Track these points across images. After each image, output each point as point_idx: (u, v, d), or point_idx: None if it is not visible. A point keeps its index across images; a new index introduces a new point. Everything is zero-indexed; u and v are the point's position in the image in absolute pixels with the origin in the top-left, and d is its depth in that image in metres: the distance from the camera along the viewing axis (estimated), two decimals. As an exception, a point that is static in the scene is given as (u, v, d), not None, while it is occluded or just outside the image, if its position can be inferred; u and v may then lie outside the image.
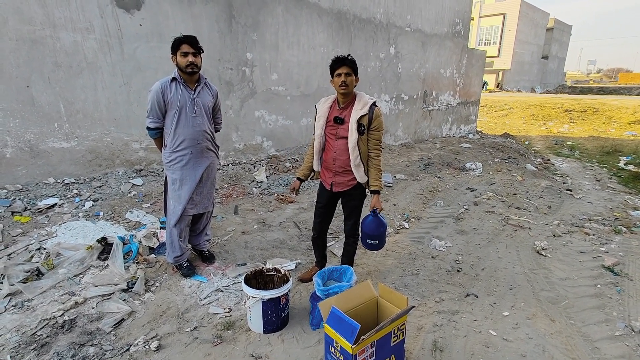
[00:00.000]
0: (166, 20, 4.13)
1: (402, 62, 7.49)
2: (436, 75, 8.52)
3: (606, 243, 3.53)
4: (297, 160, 5.51)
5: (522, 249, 3.37)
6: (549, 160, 8.52)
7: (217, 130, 2.74)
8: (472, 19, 28.27)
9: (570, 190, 5.72)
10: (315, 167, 2.45)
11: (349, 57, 2.20)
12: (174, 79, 2.39)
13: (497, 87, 28.70)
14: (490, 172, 6.46)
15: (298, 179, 2.51)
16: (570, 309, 2.46)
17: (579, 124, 14.48)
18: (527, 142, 10.78)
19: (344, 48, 6.23)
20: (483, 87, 20.87)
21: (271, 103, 5.41)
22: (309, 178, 2.56)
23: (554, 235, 3.71)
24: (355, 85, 2.26)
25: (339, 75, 2.19)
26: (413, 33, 7.55)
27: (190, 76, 2.40)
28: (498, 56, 28.13)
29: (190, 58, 2.32)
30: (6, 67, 3.22)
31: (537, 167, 7.31)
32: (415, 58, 7.79)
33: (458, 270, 2.94)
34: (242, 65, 4.96)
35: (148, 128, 2.44)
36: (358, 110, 2.21)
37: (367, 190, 2.36)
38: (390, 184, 5.16)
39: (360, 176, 2.27)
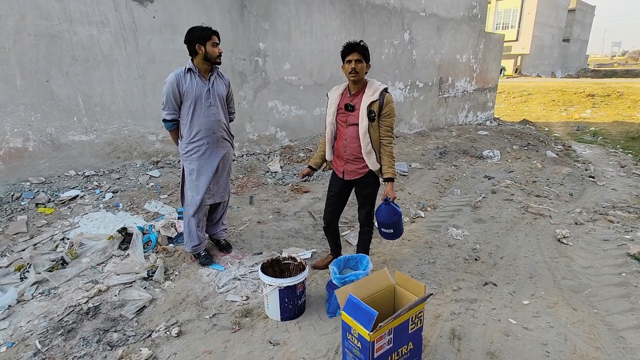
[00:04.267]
0: (179, 12, 4.14)
1: (417, 48, 7.33)
2: (452, 61, 8.31)
3: (631, 231, 3.41)
4: (311, 150, 5.49)
5: (542, 237, 3.30)
6: (570, 146, 8.25)
7: (231, 120, 2.75)
8: (490, 2, 27.35)
9: (592, 177, 5.55)
10: (328, 157, 2.43)
11: (361, 43, 2.15)
12: (189, 69, 2.40)
13: (516, 72, 27.84)
14: (509, 160, 6.30)
15: (310, 167, 2.50)
16: (594, 297, 2.40)
17: (602, 109, 13.94)
18: (547, 129, 10.46)
19: (357, 35, 6.12)
20: (501, 73, 20.29)
21: (284, 93, 5.39)
22: (322, 169, 2.54)
23: (575, 224, 3.61)
24: (366, 72, 2.21)
25: (350, 61, 2.15)
26: (428, 18, 7.36)
27: (210, 66, 2.42)
28: (516, 40, 27.19)
29: (220, 49, 2.38)
30: (26, 63, 3.29)
31: (557, 154, 7.09)
32: (431, 44, 7.60)
33: (476, 259, 2.90)
34: (255, 55, 4.94)
35: (164, 120, 2.46)
36: (368, 97, 2.17)
37: (380, 178, 2.33)
38: (406, 173, 5.10)
39: (372, 163, 2.24)
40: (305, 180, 2.56)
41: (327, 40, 5.76)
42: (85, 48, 3.58)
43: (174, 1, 4.08)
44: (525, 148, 7.13)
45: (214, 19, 4.43)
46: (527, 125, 9.62)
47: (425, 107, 7.95)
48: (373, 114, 2.16)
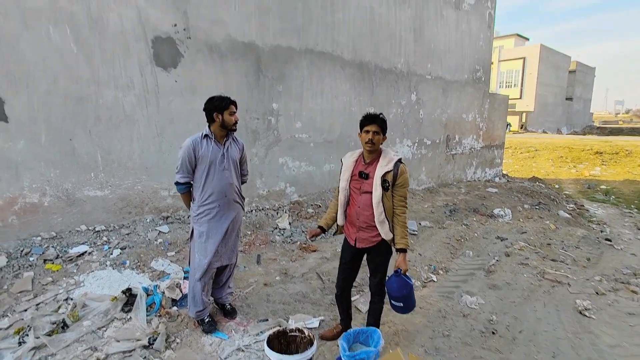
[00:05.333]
0: (199, 76, 4.41)
1: (424, 108, 7.59)
2: (458, 120, 8.55)
3: (657, 304, 3.23)
4: (320, 207, 5.50)
5: (562, 309, 3.13)
6: (583, 205, 8.13)
7: (243, 182, 2.80)
8: (492, 63, 28.80)
9: (609, 240, 5.38)
10: (339, 222, 2.42)
11: (380, 116, 2.24)
12: (205, 135, 2.50)
13: (521, 128, 28.40)
14: (521, 219, 6.20)
15: (320, 227, 2.49)
16: (625, 384, 2.21)
17: (611, 167, 13.92)
18: (557, 186, 10.40)
19: (365, 96, 6.41)
20: (507, 129, 20.74)
21: (295, 150, 5.54)
22: (333, 233, 2.52)
23: (596, 293, 3.44)
24: (381, 143, 2.27)
25: (367, 132, 2.21)
26: (434, 80, 7.71)
27: (226, 132, 2.52)
28: (520, 98, 28.11)
29: (236, 117, 2.49)
30: (53, 122, 3.47)
31: (570, 214, 6.97)
32: (437, 104, 7.89)
33: (493, 332, 2.74)
34: (268, 114, 5.16)
35: (177, 183, 2.52)
36: (383, 167, 2.21)
37: (393, 247, 2.30)
38: (415, 232, 5.03)
39: (384, 232, 2.22)
40: (314, 240, 2.55)
41: (337, 101, 6.02)
42: (110, 108, 3.78)
43: (195, 66, 4.37)
44: (537, 207, 7.04)
45: (232, 82, 4.70)
46: (537, 183, 9.59)
47: (433, 164, 8.05)
48: (387, 184, 2.18)
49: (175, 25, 4.15)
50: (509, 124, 25.62)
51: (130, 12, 3.80)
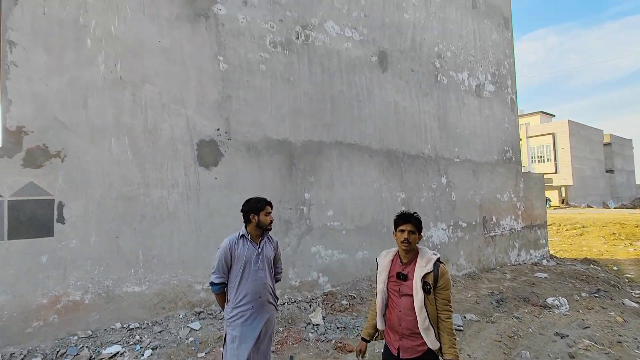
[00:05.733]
0: (237, 172, 4.74)
1: (455, 190, 7.55)
2: (493, 201, 8.35)
3: None
4: (354, 297, 5.25)
5: None
6: (651, 291, 7.21)
7: (277, 280, 2.78)
8: (521, 140, 28.99)
9: (694, 337, 4.62)
10: (379, 326, 2.28)
11: (415, 215, 2.24)
12: (242, 236, 2.59)
13: (562, 203, 27.09)
14: (580, 310, 5.55)
15: (363, 339, 2.35)
16: None
17: (675, 244, 12.60)
18: (615, 268, 9.43)
19: (395, 182, 6.51)
20: (546, 204, 19.86)
21: (327, 238, 5.53)
22: (374, 338, 2.37)
23: (694, 412, 2.85)
24: (417, 242, 2.24)
25: (402, 231, 2.20)
26: (463, 163, 7.79)
27: (261, 232, 2.60)
28: (556, 172, 27.40)
29: (271, 217, 2.60)
30: (104, 222, 3.75)
31: (638, 303, 6.17)
32: (468, 186, 7.83)
33: None
34: (300, 204, 5.32)
35: (212, 283, 2.55)
36: (422, 267, 2.14)
37: (440, 358, 2.10)
38: (461, 328, 4.59)
39: (431, 342, 2.05)
40: (363, 357, 2.38)
41: (367, 188, 6.14)
42: (155, 207, 4.07)
43: (234, 163, 4.73)
44: (596, 295, 6.33)
45: (266, 176, 4.99)
46: (592, 265, 8.77)
47: (472, 247, 7.68)
48: (428, 286, 2.09)
49: (218, 129, 4.62)
50: (548, 199, 24.60)
51: (180, 121, 4.32)
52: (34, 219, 3.36)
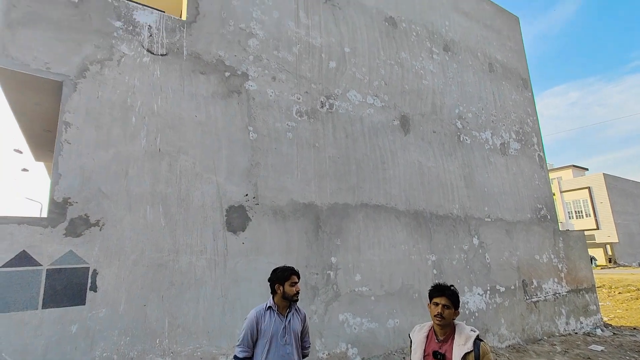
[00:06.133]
0: (264, 236, 4.77)
1: (489, 252, 7.18)
2: (531, 262, 7.84)
3: None
4: (387, 373, 4.84)
5: None
6: None
7: (304, 356, 2.64)
8: (554, 195, 27.88)
9: None
10: (416, 411, 2.08)
11: (451, 288, 2.14)
12: (269, 307, 2.53)
13: (610, 262, 25.01)
14: (650, 393, 4.82)
15: None
16: None
17: None
18: (684, 339, 8.30)
19: (424, 243, 6.31)
20: (592, 263, 18.37)
21: (355, 304, 5.29)
22: None
23: None
24: (454, 319, 2.10)
25: (437, 304, 2.09)
26: (494, 222, 7.50)
27: (288, 303, 2.54)
28: (598, 229, 25.73)
29: (298, 287, 2.55)
30: (133, 290, 3.79)
31: None
32: (503, 246, 7.46)
33: None
34: (327, 269, 5.20)
35: (236, 357, 2.45)
36: (461, 346, 1.98)
37: None
38: (510, 412, 4.07)
39: None
40: None
41: (396, 250, 5.97)
42: (183, 273, 4.10)
43: (260, 228, 4.78)
44: (667, 373, 5.53)
45: (293, 240, 4.98)
46: (655, 336, 7.77)
47: (513, 314, 7.07)
48: (469, 368, 1.92)
49: (247, 195, 4.77)
50: (593, 258, 22.82)
51: (211, 188, 4.51)
52: (69, 287, 3.45)
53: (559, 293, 8.07)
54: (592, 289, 8.93)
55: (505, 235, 7.59)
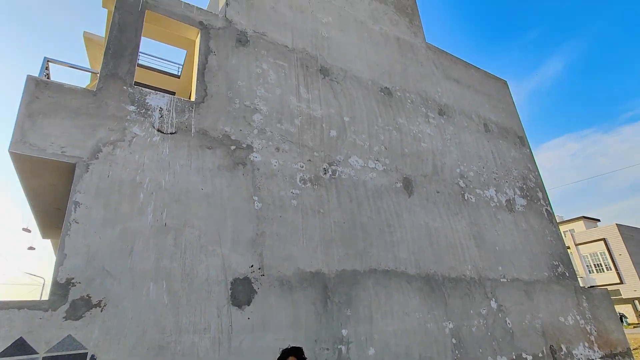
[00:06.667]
0: (270, 310, 4.57)
1: (509, 316, 6.76)
2: (557, 325, 7.33)
3: None
4: None
5: None
6: None
7: None
8: (568, 248, 26.96)
9: None
10: None
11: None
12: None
13: (642, 319, 23.31)
14: None
15: None
16: None
17: None
18: None
19: (439, 310, 5.98)
20: (622, 322, 17.07)
21: (371, 383, 4.86)
22: None
23: None
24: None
25: None
26: (511, 283, 7.18)
27: None
28: (621, 283, 24.42)
29: None
30: (131, 376, 3.55)
31: None
32: (523, 309, 7.04)
33: None
34: (338, 343, 4.88)
35: None
36: None
37: None
38: None
39: None
40: None
41: (410, 319, 5.64)
42: (185, 355, 3.86)
43: (266, 301, 4.60)
44: None
45: (300, 312, 4.75)
46: None
47: (546, 387, 6.42)
48: None
49: (252, 265, 4.68)
50: (623, 316, 21.30)
51: (216, 261, 4.44)
52: (64, 377, 3.24)
53: (593, 359, 7.40)
54: (627, 352, 8.20)
55: (525, 297, 7.21)
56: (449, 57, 9.94)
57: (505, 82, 11.13)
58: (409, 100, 7.99)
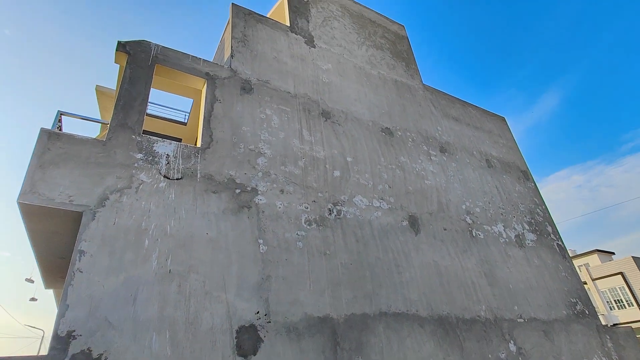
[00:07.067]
0: (278, 359, 4.36)
1: (531, 359, 6.37)
2: (582, 369, 6.87)
3: None
4: None
5: None
6: None
7: None
8: (585, 284, 25.93)
9: None
10: None
11: None
12: None
13: (673, 359, 21.79)
14: None
15: None
16: None
17: None
18: None
19: (456, 355, 5.66)
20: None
21: None
22: None
23: None
24: None
25: None
26: (528, 323, 6.84)
27: None
28: (646, 320, 23.18)
29: None
30: None
31: None
32: (544, 351, 6.64)
33: None
34: (350, 394, 4.58)
35: None
36: None
37: None
38: None
39: None
40: None
41: (425, 366, 5.33)
42: (188, 413, 3.63)
43: (274, 350, 4.39)
44: None
45: (309, 361, 4.52)
46: None
47: None
48: None
49: (258, 312, 4.53)
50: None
51: (220, 308, 4.31)
52: None
53: (626, 407, 6.85)
54: (663, 398, 7.60)
55: (545, 338, 6.83)
56: (447, 96, 10.25)
57: (503, 119, 11.37)
58: (410, 139, 8.13)
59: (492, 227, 7.93)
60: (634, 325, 21.77)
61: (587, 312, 7.93)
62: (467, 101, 10.76)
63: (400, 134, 8.05)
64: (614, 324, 24.26)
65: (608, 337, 7.79)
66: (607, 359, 7.36)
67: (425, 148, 8.28)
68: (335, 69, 8.15)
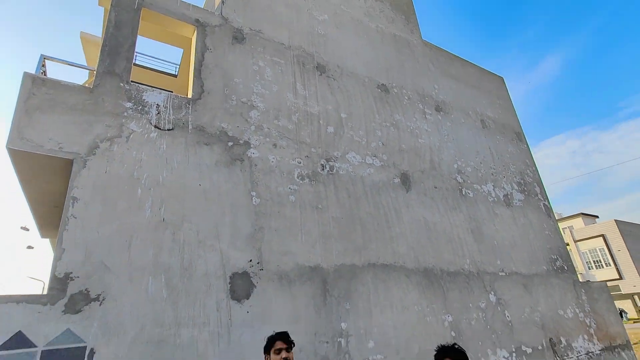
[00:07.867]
0: (269, 303, 4.58)
1: (509, 309, 6.78)
2: (556, 318, 7.34)
3: None
4: None
5: None
6: None
7: None
8: (567, 245, 27.03)
9: None
10: None
11: (455, 347, 2.02)
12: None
13: (642, 314, 23.36)
14: None
15: None
16: None
17: None
18: None
19: (438, 303, 6.00)
20: (622, 317, 17.11)
21: (371, 377, 4.87)
22: None
23: None
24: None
25: None
26: (509, 277, 7.20)
27: None
28: (621, 278, 24.48)
29: (284, 354, 2.42)
30: (131, 370, 3.55)
31: None
32: (522, 302, 7.05)
33: None
34: (337, 336, 4.89)
35: None
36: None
37: None
38: None
39: None
40: None
41: (409, 312, 5.66)
42: (184, 349, 3.86)
43: (265, 295, 4.61)
44: None
45: (300, 306, 4.77)
46: None
47: (546, 380, 6.44)
48: None
49: (251, 260, 4.69)
50: (623, 312, 21.33)
51: (214, 256, 4.45)
52: (63, 371, 3.24)
53: (592, 352, 7.43)
54: (627, 345, 8.22)
55: (524, 290, 7.23)
56: (446, 54, 9.98)
57: (502, 79, 11.17)
58: (405, 97, 8.01)
59: (482, 186, 8.07)
60: (609, 284, 23.02)
61: (565, 267, 8.33)
62: (466, 60, 10.49)
63: (396, 91, 7.92)
64: (589, 281, 25.61)
65: (583, 290, 8.26)
66: (580, 310, 7.85)
67: (421, 107, 8.18)
68: (331, 21, 7.82)
